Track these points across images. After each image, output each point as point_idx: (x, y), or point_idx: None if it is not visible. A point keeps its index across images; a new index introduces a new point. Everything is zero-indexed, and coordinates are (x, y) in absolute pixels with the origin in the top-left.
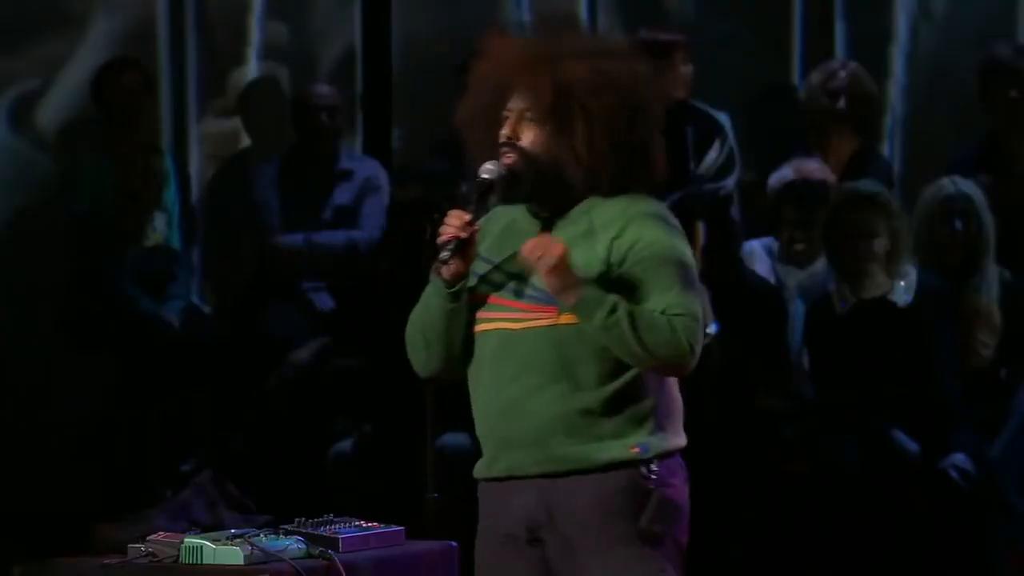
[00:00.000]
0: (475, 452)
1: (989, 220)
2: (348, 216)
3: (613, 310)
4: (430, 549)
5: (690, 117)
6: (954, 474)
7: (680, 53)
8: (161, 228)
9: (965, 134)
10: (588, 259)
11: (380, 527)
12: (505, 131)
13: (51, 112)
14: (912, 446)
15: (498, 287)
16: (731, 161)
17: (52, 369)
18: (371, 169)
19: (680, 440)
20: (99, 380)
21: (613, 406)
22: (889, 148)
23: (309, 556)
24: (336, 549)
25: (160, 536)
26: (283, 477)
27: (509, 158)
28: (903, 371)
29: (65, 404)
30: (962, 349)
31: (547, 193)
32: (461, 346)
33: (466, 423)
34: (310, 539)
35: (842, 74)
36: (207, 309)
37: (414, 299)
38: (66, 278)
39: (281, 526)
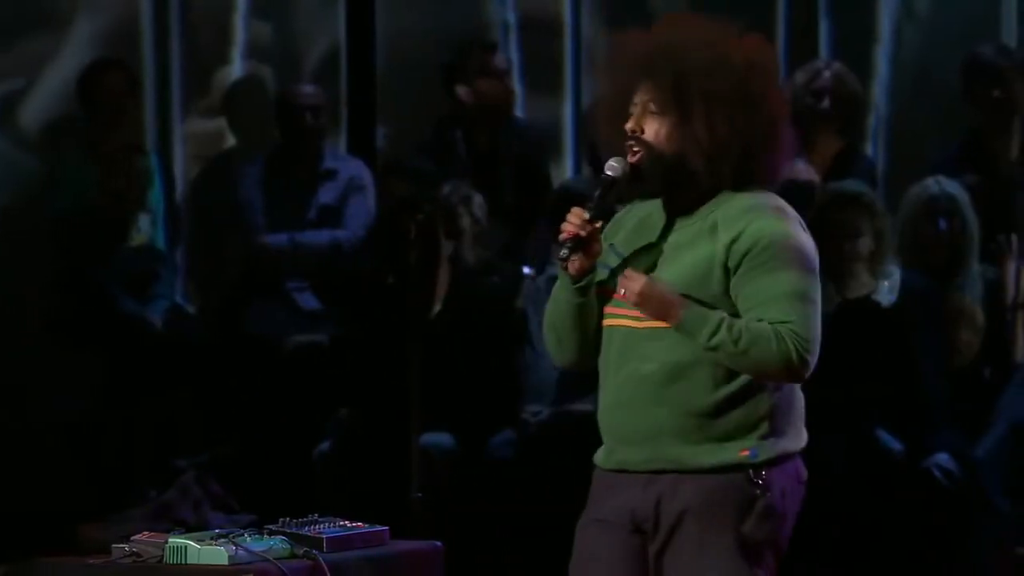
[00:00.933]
0: (457, 452)
1: (973, 220)
2: (332, 216)
3: (716, 330)
4: (414, 549)
5: None
6: (938, 474)
7: None
8: (146, 228)
9: (949, 134)
10: (697, 259)
11: (364, 527)
12: (630, 125)
13: (35, 112)
14: (896, 445)
15: None
16: None
17: (36, 369)
18: (355, 168)
19: (796, 443)
20: (84, 380)
21: (725, 409)
22: (873, 148)
23: (293, 556)
24: (320, 549)
25: (144, 536)
26: (267, 477)
27: (634, 154)
28: (887, 371)
29: (50, 404)
30: (946, 349)
31: (673, 188)
32: (595, 338)
33: (449, 422)
34: (294, 539)
35: (826, 74)
36: (191, 309)
37: (399, 297)
38: (50, 278)
39: (265, 526)
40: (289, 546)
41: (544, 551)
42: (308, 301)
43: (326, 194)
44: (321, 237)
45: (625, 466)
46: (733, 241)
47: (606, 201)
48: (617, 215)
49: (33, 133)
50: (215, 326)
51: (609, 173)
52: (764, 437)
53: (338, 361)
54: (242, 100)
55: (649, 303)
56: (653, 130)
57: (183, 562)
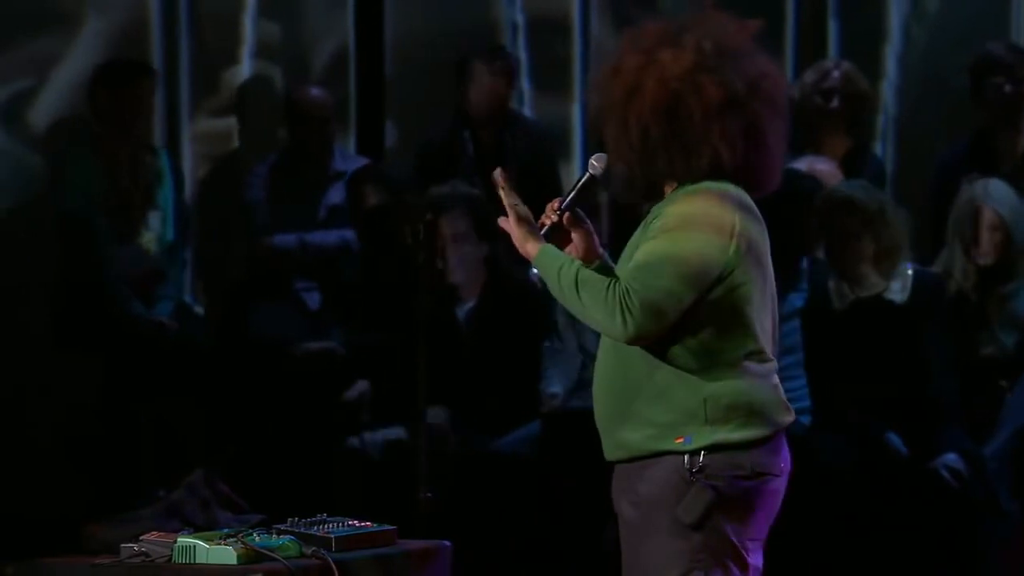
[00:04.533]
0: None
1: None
2: (341, 216)
3: (561, 269)
4: (422, 548)
5: None
6: (945, 473)
7: None
8: (156, 227)
9: (957, 133)
10: (630, 248)
11: (372, 526)
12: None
13: (43, 111)
14: (903, 445)
15: None
16: None
17: (42, 369)
18: None
19: (741, 434)
20: (90, 380)
21: (662, 396)
22: (882, 147)
23: (302, 555)
24: (329, 548)
25: (153, 536)
26: (276, 476)
27: (597, 156)
28: (897, 369)
29: (56, 404)
30: (953, 347)
31: (629, 191)
32: None
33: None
34: (303, 538)
35: (835, 73)
36: (199, 309)
37: (402, 297)
38: (57, 278)
39: (274, 525)
40: (298, 545)
41: (552, 551)
42: (315, 301)
43: (335, 194)
44: (329, 237)
45: (607, 456)
46: (646, 225)
47: (582, 195)
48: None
49: (41, 133)
50: (222, 326)
51: (590, 169)
52: (702, 425)
53: (352, 366)
54: (251, 100)
55: (520, 227)
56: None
57: (192, 562)
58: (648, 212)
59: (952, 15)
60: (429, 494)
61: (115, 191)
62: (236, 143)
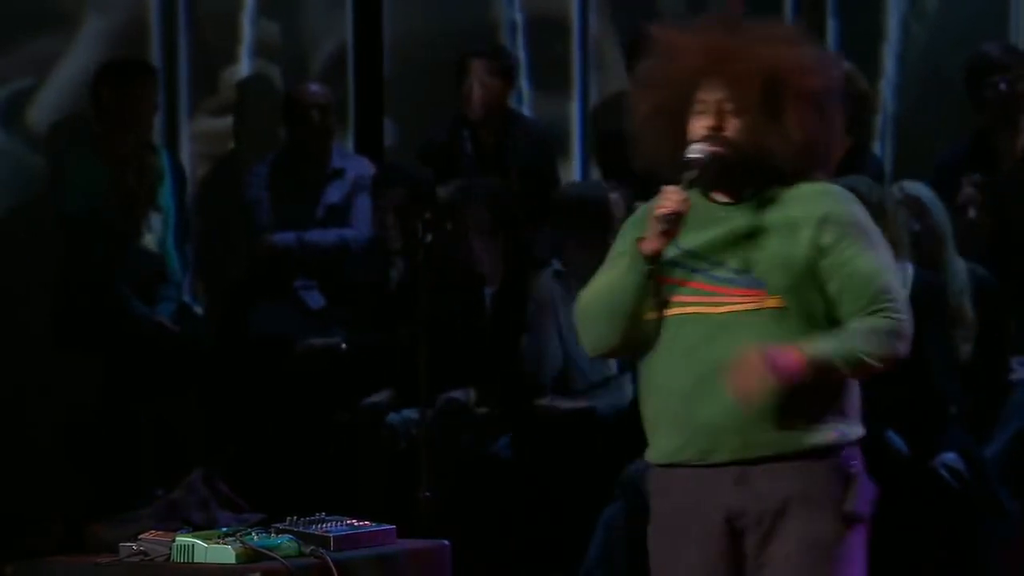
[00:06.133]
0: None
1: (943, 217)
2: (339, 215)
3: (836, 353)
4: (422, 548)
5: None
6: (945, 473)
7: None
8: (157, 227)
9: (956, 133)
10: (790, 253)
11: (371, 525)
12: (708, 123)
13: (43, 111)
14: (903, 444)
15: (691, 271)
16: None
17: (43, 369)
18: (362, 167)
19: (862, 430)
20: (90, 380)
21: (814, 391)
22: (881, 147)
23: (301, 555)
24: (328, 547)
25: (152, 535)
26: (275, 476)
27: (715, 147)
28: (897, 368)
29: (56, 403)
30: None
31: (744, 180)
32: (641, 327)
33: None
34: (302, 538)
35: None
36: (199, 309)
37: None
38: (58, 278)
39: (273, 525)
40: (297, 545)
41: (551, 549)
42: (315, 300)
43: (333, 193)
44: (328, 236)
45: (708, 458)
46: (820, 239)
47: (694, 184)
48: (636, 214)
49: (42, 132)
50: (222, 325)
51: (697, 156)
52: (845, 420)
53: (354, 364)
54: (250, 99)
55: (789, 377)
56: (734, 128)
57: (191, 561)
58: (756, 196)
59: (951, 14)
60: (428, 493)
61: (117, 191)
62: (235, 142)
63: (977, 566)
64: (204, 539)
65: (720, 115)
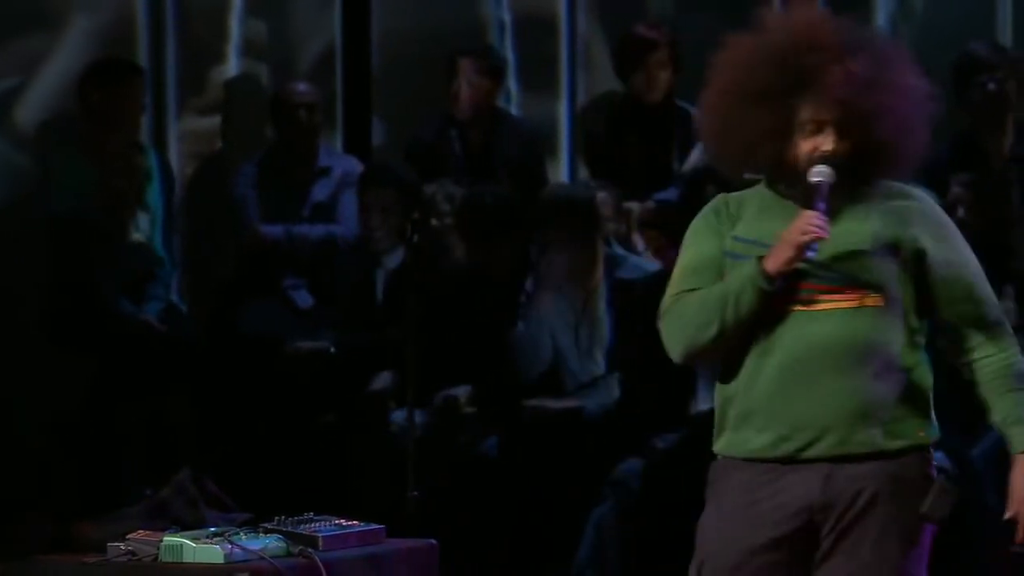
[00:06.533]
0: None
1: None
2: (326, 212)
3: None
4: (410, 547)
5: (676, 117)
6: (932, 472)
7: (661, 52)
8: (144, 227)
9: (945, 133)
10: (888, 254)
11: (360, 525)
12: (827, 146)
13: (31, 111)
14: None
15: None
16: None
17: (32, 368)
18: (349, 165)
19: (939, 432)
20: (79, 379)
21: (907, 391)
22: None
23: (289, 554)
24: (316, 547)
25: (140, 535)
26: (264, 475)
27: (827, 171)
28: None
29: (45, 403)
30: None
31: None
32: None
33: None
34: (290, 537)
35: None
36: (186, 308)
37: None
38: (47, 278)
39: (261, 524)
40: (285, 544)
41: (540, 549)
42: (304, 299)
43: (320, 191)
44: (316, 230)
45: (802, 454)
46: (918, 224)
47: (823, 205)
48: (711, 208)
49: (29, 132)
50: (210, 324)
51: (821, 180)
52: (930, 419)
53: (342, 367)
54: (237, 98)
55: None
56: (842, 148)
57: (179, 560)
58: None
59: (939, 14)
60: (416, 493)
61: (104, 190)
62: (222, 142)
63: (965, 565)
64: (192, 539)
65: (830, 135)
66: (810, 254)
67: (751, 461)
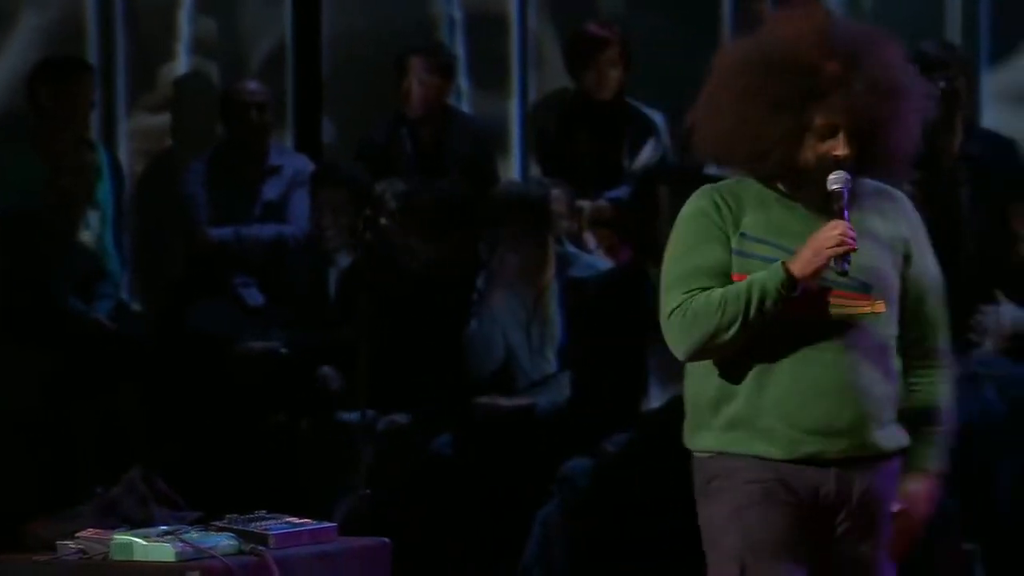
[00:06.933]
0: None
1: None
2: (276, 211)
3: None
4: (362, 545)
5: (626, 116)
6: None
7: (612, 50)
8: (94, 225)
9: None
10: (891, 260)
11: (312, 523)
12: (841, 151)
13: None
14: None
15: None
16: (664, 159)
17: None
18: (300, 164)
19: None
20: (29, 378)
21: (897, 395)
22: None
23: (240, 553)
24: (267, 545)
25: (90, 533)
26: (216, 474)
27: (845, 176)
28: None
29: None
30: None
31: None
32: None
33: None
34: (241, 535)
35: None
36: (137, 306)
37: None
38: None
39: (212, 523)
40: (236, 543)
41: (491, 547)
42: (254, 298)
43: (270, 190)
44: (266, 231)
45: (819, 456)
46: (908, 230)
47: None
48: (708, 203)
49: None
50: (161, 324)
51: (840, 187)
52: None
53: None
54: (187, 96)
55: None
56: (851, 150)
57: (129, 559)
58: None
59: (888, 12)
60: (368, 491)
61: (54, 188)
62: (172, 139)
63: (918, 562)
64: (143, 537)
65: (843, 140)
66: (845, 266)
67: (760, 459)
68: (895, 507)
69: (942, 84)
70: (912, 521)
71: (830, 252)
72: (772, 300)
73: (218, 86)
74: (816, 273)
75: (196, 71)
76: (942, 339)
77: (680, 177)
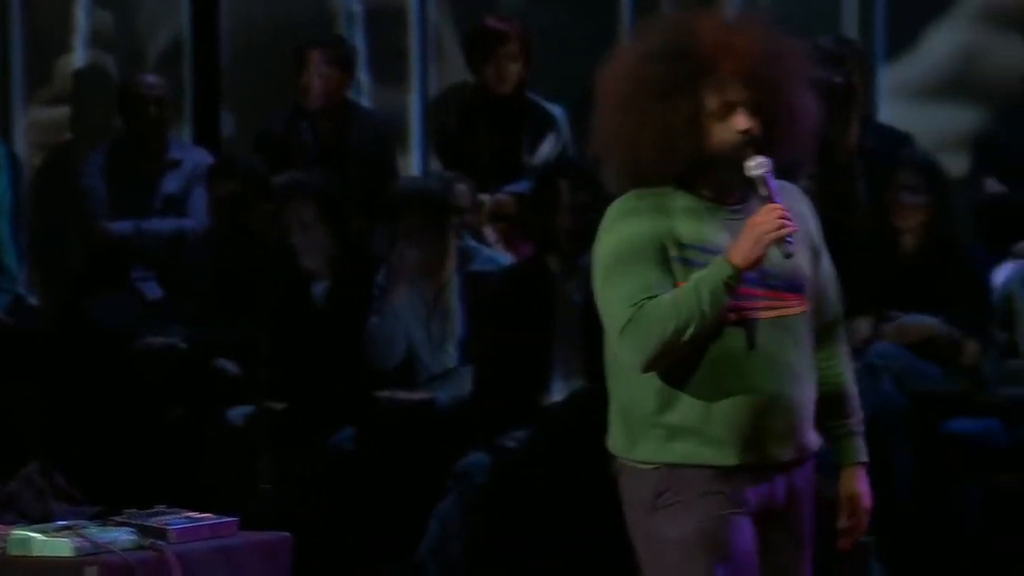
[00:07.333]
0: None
1: None
2: (177, 205)
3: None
4: (262, 540)
5: (526, 110)
6: None
7: (511, 44)
8: None
9: None
10: (808, 256)
11: (212, 518)
12: (745, 125)
13: None
14: None
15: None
16: (564, 154)
17: None
18: (200, 157)
19: None
20: None
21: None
22: None
23: (140, 548)
24: (167, 540)
25: None
26: (115, 468)
27: (764, 160)
28: None
29: None
30: None
31: (729, 177)
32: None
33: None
34: (140, 530)
35: None
36: (34, 300)
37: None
38: None
39: (111, 518)
40: (135, 537)
41: (391, 541)
42: (153, 291)
43: (170, 184)
44: (166, 225)
45: (767, 460)
46: (813, 223)
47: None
48: (639, 210)
49: None
50: (59, 318)
51: (764, 171)
52: None
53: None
54: (85, 89)
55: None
56: (756, 127)
57: (27, 554)
58: (753, 196)
59: (784, 7)
60: (268, 486)
61: None
62: (71, 132)
63: (813, 560)
64: (41, 532)
65: (742, 114)
66: (789, 247)
67: (712, 468)
68: (848, 507)
69: (839, 79)
70: (863, 517)
71: (770, 237)
72: (721, 294)
73: (116, 79)
74: (759, 260)
75: (93, 64)
76: (843, 331)
77: (580, 171)
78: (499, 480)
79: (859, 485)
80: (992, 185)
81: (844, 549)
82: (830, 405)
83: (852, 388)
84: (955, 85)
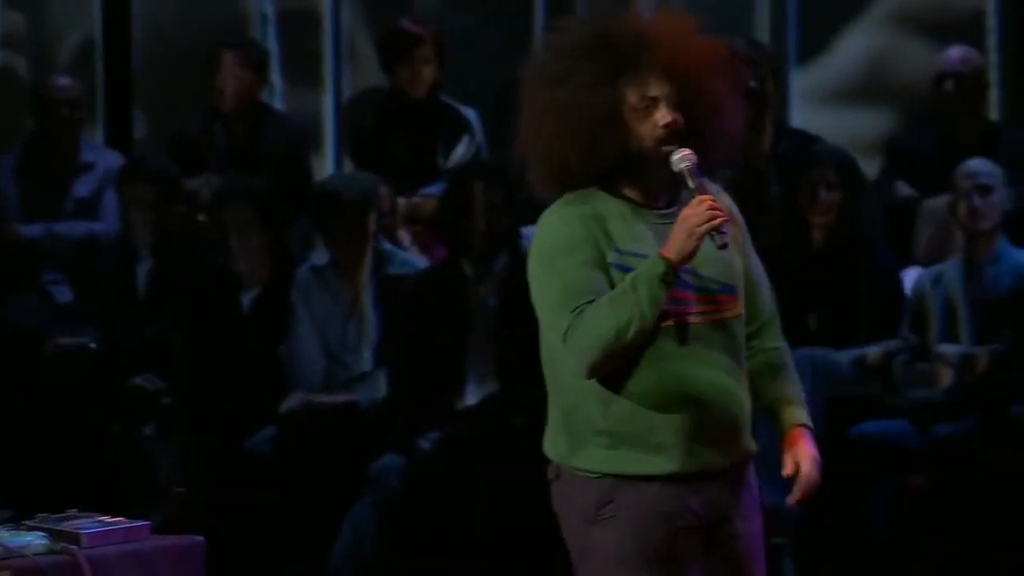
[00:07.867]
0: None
1: None
2: (89, 208)
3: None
4: (176, 543)
5: (441, 113)
6: None
7: (426, 47)
8: None
9: None
10: (738, 257)
11: (124, 522)
12: (672, 119)
13: None
14: None
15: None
16: (478, 157)
17: None
18: (112, 161)
19: None
20: None
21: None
22: None
23: (52, 552)
24: (79, 544)
25: None
26: (25, 472)
27: (681, 144)
28: None
29: None
30: None
31: (654, 177)
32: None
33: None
34: (52, 535)
35: None
36: None
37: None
38: None
39: (22, 522)
40: (47, 542)
41: (306, 544)
42: (64, 294)
43: (82, 187)
44: (77, 228)
45: (710, 466)
46: (739, 222)
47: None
48: (573, 216)
49: None
50: None
51: (690, 164)
52: None
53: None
54: None
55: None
56: (678, 117)
57: None
58: (680, 197)
59: (697, 10)
60: (182, 489)
61: None
62: None
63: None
64: None
65: (663, 109)
66: (724, 238)
67: (657, 478)
68: (790, 462)
69: (752, 83)
70: (813, 478)
71: (702, 229)
72: (659, 289)
73: (27, 80)
74: (692, 254)
75: (4, 65)
76: (779, 329)
77: (494, 174)
78: (412, 482)
79: (807, 448)
80: (902, 188)
81: (795, 501)
82: (772, 377)
83: (790, 364)
84: (866, 89)
